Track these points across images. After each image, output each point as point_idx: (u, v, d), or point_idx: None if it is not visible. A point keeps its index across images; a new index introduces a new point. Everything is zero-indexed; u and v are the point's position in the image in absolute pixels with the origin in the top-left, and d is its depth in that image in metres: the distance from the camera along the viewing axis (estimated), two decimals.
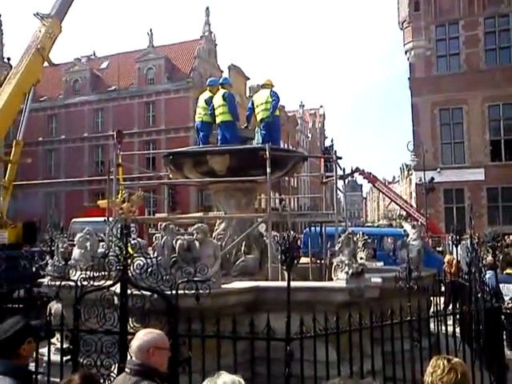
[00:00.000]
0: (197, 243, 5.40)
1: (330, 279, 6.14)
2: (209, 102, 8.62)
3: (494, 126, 29.41)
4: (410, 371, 4.76)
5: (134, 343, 2.78)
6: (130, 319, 4.36)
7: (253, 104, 8.61)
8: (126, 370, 2.76)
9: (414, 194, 41.29)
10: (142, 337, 2.80)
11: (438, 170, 28.17)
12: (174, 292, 4.31)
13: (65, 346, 4.37)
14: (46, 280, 6.41)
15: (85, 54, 47.09)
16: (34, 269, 5.91)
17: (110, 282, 4.27)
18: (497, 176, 27.88)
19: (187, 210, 23.94)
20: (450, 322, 5.87)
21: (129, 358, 2.95)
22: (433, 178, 26.15)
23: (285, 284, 4.43)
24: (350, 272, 5.49)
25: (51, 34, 19.28)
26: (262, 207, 15.03)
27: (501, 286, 7.46)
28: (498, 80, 28.03)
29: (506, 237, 18.29)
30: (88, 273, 4.51)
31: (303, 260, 8.39)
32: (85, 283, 4.36)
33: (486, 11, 29.44)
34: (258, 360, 4.48)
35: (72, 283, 4.45)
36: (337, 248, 5.90)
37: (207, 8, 42.19)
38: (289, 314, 4.25)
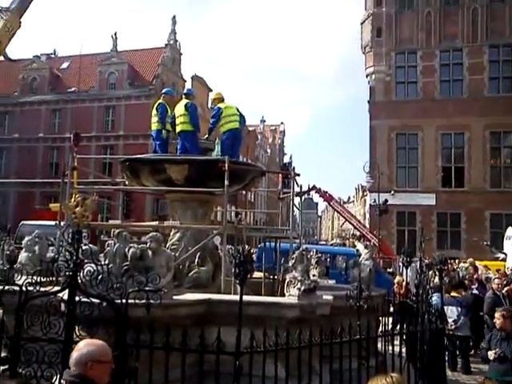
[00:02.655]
0: (150, 252, 5.30)
1: (283, 295, 6.17)
2: (160, 109, 8.56)
3: (445, 154, 30.61)
4: None
5: (74, 354, 2.67)
6: (77, 327, 4.21)
7: (220, 115, 8.54)
8: (62, 381, 2.69)
9: (367, 215, 42.17)
10: (81, 348, 2.69)
11: (392, 192, 28.95)
12: (123, 301, 4.20)
13: (3, 354, 4.17)
14: None
15: (45, 51, 45.95)
16: None
17: (57, 288, 4.12)
18: (446, 202, 28.94)
19: (142, 219, 23.51)
20: (396, 342, 5.98)
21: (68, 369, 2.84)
22: (386, 200, 26.82)
23: (237, 298, 4.41)
24: (302, 288, 5.53)
25: (9, 29, 18.60)
26: (217, 219, 14.97)
27: (445, 308, 7.73)
28: (451, 110, 29.24)
29: (451, 261, 18.92)
30: (35, 278, 4.33)
31: (256, 275, 8.40)
32: (30, 288, 4.19)
33: (442, 44, 30.80)
34: (206, 374, 4.41)
35: (16, 288, 4.27)
36: (290, 264, 5.94)
37: (174, 17, 42.09)
38: (240, 327, 4.23)
